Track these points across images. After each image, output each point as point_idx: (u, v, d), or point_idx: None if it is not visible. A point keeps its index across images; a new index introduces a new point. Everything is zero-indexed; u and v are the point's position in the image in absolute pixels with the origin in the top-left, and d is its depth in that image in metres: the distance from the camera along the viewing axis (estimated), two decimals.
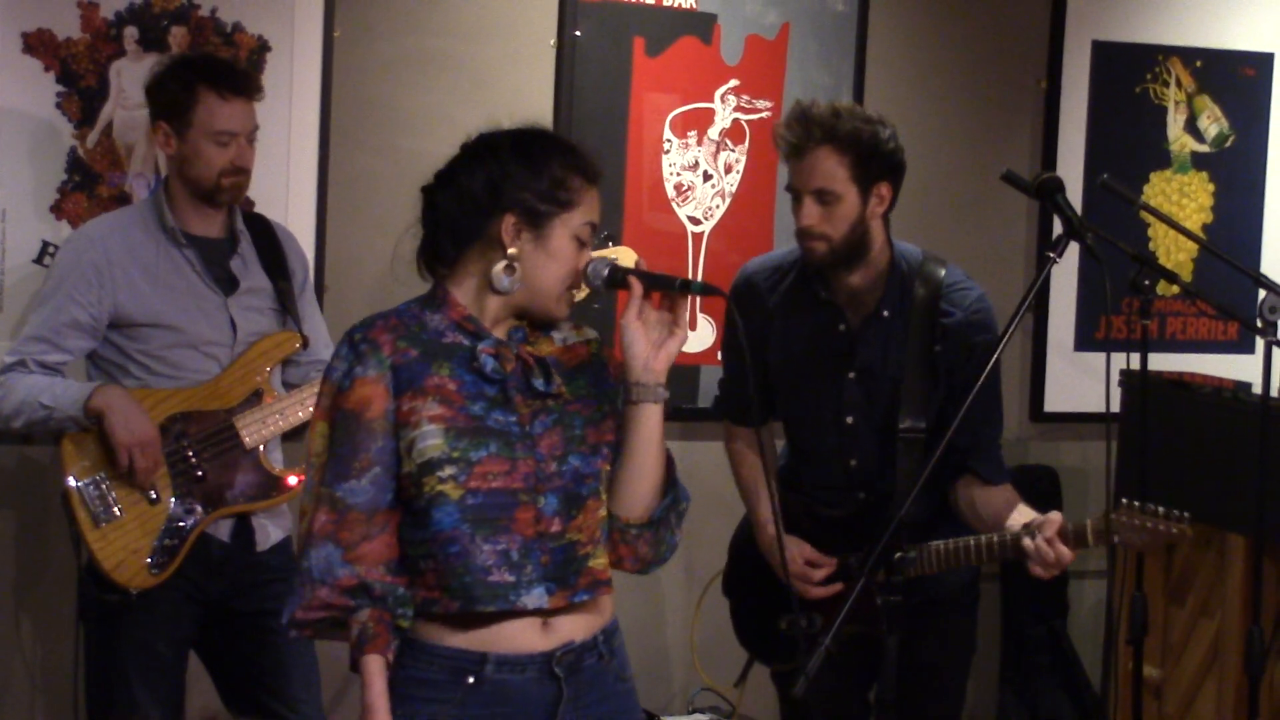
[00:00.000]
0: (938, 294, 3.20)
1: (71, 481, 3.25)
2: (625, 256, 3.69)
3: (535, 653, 2.38)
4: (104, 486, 3.26)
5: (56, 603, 3.84)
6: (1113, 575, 3.72)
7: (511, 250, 2.38)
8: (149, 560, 3.25)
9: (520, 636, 2.38)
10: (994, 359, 2.79)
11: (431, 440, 2.34)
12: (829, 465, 3.29)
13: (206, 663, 3.53)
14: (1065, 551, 2.96)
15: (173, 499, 3.28)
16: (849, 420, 3.24)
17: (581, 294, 2.52)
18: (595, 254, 2.47)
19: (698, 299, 3.87)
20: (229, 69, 3.43)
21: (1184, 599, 4.09)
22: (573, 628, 2.42)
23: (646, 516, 2.44)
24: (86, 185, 3.85)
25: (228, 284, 3.40)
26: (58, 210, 3.84)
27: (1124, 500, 2.98)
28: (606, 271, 2.42)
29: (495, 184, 2.38)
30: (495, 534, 2.34)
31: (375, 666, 2.34)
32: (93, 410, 3.21)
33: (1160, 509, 2.91)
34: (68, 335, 3.31)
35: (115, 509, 3.25)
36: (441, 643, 2.38)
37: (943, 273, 3.23)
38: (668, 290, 2.41)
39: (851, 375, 3.24)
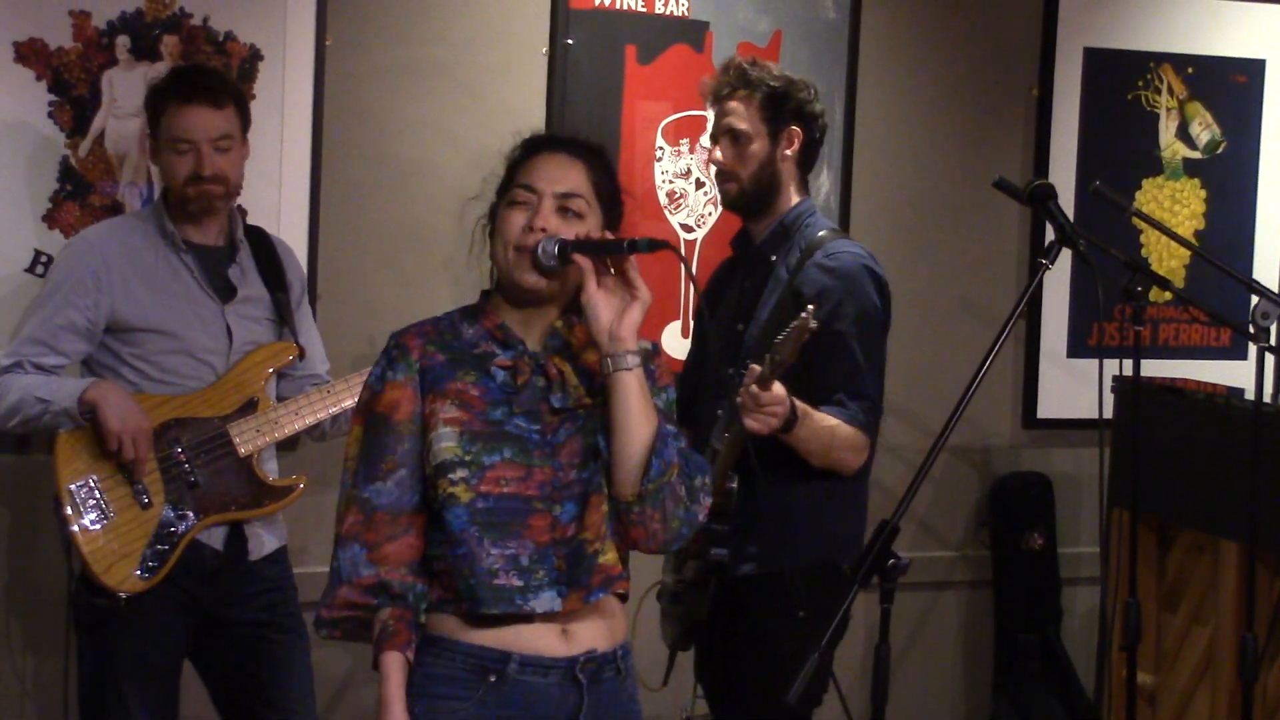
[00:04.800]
0: (816, 247, 3.26)
1: (64, 482, 3.24)
2: None
3: (559, 657, 2.39)
4: (97, 489, 3.25)
5: (47, 610, 3.82)
6: (1106, 582, 3.72)
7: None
8: (139, 565, 3.24)
9: (541, 640, 2.38)
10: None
11: (446, 443, 2.37)
12: (707, 417, 3.31)
13: (201, 672, 3.52)
14: (757, 392, 2.96)
15: (165, 504, 3.27)
16: (729, 371, 3.27)
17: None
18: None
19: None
20: (193, 75, 3.41)
21: (1177, 605, 4.09)
22: (594, 636, 2.42)
23: (638, 490, 2.41)
24: (79, 194, 3.85)
25: (225, 292, 3.40)
26: (50, 219, 3.84)
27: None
28: (555, 249, 2.40)
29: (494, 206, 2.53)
30: (504, 538, 2.35)
31: (394, 663, 2.35)
32: (87, 402, 3.21)
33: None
34: (64, 338, 3.31)
35: (108, 512, 3.24)
36: (463, 639, 2.38)
37: (823, 233, 3.30)
38: (615, 254, 2.40)
39: (740, 327, 3.32)
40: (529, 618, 2.37)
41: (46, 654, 3.90)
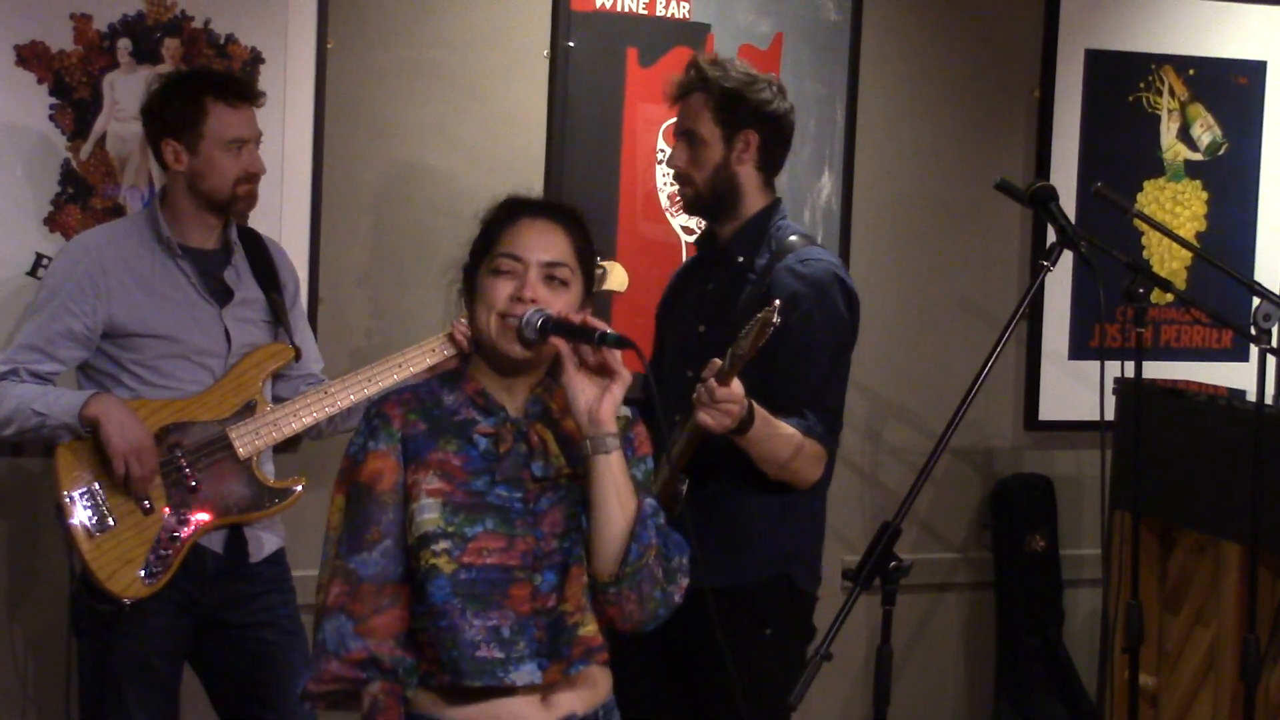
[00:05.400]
0: (788, 252, 3.20)
1: (66, 491, 3.24)
2: (616, 273, 3.69)
3: None
4: (98, 496, 3.25)
5: (48, 614, 3.84)
6: (1108, 584, 3.72)
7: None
8: (142, 570, 3.23)
9: (520, 712, 2.36)
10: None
11: (428, 514, 2.34)
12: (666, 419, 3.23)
13: (201, 675, 3.52)
14: (714, 386, 2.88)
15: (166, 509, 3.27)
16: (689, 374, 3.15)
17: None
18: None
19: None
20: (232, 78, 3.48)
21: (1179, 607, 4.09)
22: (572, 702, 2.40)
23: (616, 571, 2.39)
24: (80, 197, 3.85)
25: (222, 294, 3.41)
26: (51, 222, 3.84)
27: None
28: (539, 323, 2.38)
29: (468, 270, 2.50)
30: (487, 609, 2.34)
31: None
32: (88, 418, 3.21)
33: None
34: (61, 345, 3.30)
35: (109, 519, 3.24)
36: (440, 715, 2.37)
37: (794, 239, 3.24)
38: (589, 343, 2.38)
39: (701, 329, 3.27)
40: (510, 691, 2.35)
41: (47, 657, 3.90)
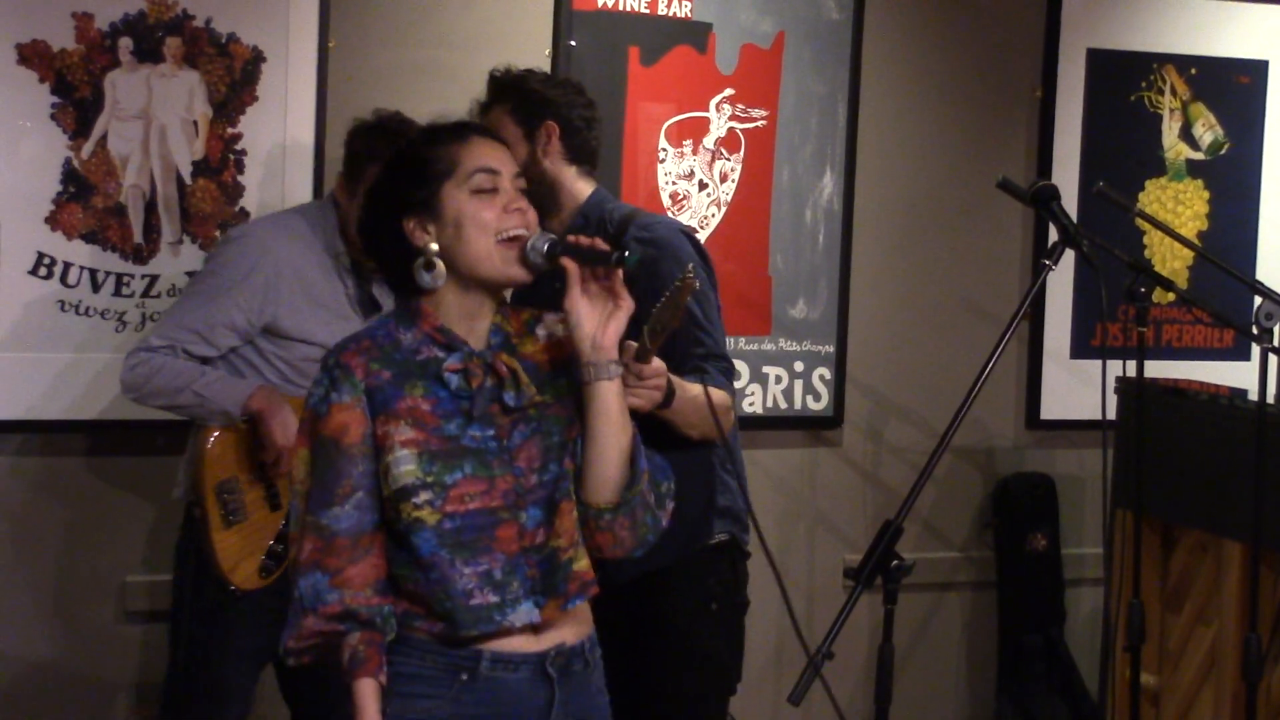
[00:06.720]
0: (627, 225, 3.19)
1: (210, 481, 3.34)
2: None
3: (530, 653, 2.37)
4: (237, 489, 3.37)
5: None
6: (1110, 583, 3.72)
7: (432, 247, 2.35)
8: (261, 564, 3.36)
9: (513, 639, 2.36)
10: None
11: (405, 466, 2.31)
12: None
13: (276, 667, 3.58)
14: (639, 367, 2.79)
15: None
16: None
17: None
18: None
19: None
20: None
21: (1181, 606, 4.09)
22: (562, 632, 2.40)
23: (616, 498, 2.38)
24: (81, 196, 3.85)
25: (369, 306, 3.51)
26: (53, 221, 3.84)
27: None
28: (545, 247, 2.35)
29: (380, 205, 2.41)
30: (475, 555, 2.32)
31: (368, 690, 2.30)
32: (250, 411, 3.32)
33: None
34: (221, 333, 3.40)
35: (244, 512, 3.37)
36: (434, 641, 2.35)
37: (627, 212, 3.24)
38: (604, 265, 2.34)
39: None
40: (508, 631, 2.34)
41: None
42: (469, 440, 2.34)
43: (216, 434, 3.35)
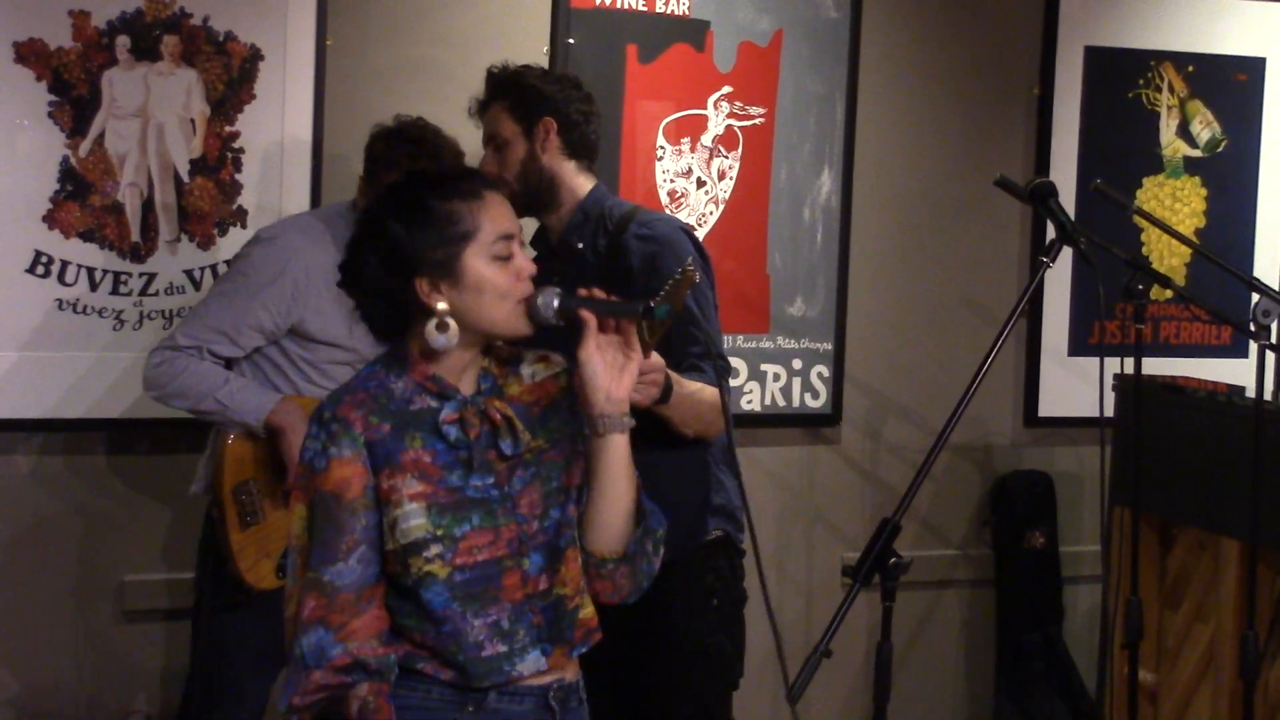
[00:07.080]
0: (628, 222, 3.20)
1: (229, 484, 3.38)
2: None
3: (534, 685, 2.36)
4: (254, 492, 3.40)
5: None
6: (1108, 580, 3.73)
7: (441, 307, 2.29)
8: (278, 563, 3.39)
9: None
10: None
11: (415, 520, 2.27)
12: None
13: None
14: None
15: None
16: None
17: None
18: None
19: None
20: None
21: (1179, 603, 4.09)
22: (564, 670, 2.40)
23: (622, 549, 2.38)
24: (79, 194, 3.85)
25: None
26: (50, 220, 3.84)
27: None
28: (556, 303, 2.31)
29: (391, 260, 2.31)
30: (485, 607, 2.30)
31: None
32: (273, 426, 3.35)
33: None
34: (247, 334, 3.43)
35: (260, 514, 3.41)
36: (439, 675, 2.33)
37: (627, 209, 3.25)
38: (629, 317, 2.31)
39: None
40: (516, 680, 2.33)
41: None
42: (473, 491, 2.32)
43: (234, 441, 3.40)
